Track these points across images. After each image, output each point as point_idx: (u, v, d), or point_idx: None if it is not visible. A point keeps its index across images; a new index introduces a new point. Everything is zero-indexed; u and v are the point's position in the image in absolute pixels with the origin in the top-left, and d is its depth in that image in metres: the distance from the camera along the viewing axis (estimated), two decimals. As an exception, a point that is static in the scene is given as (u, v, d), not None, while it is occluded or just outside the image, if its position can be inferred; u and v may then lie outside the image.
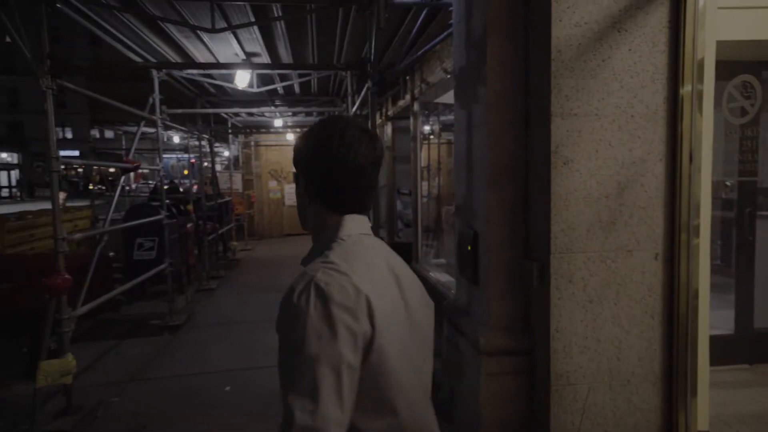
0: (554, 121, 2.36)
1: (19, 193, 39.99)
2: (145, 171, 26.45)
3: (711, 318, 2.51)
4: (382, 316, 0.98)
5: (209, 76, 7.45)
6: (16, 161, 42.64)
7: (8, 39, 3.41)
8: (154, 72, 5.86)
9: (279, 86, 8.21)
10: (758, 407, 3.35)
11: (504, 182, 2.70)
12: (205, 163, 10.57)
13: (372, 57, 4.12)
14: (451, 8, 3.46)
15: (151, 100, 5.89)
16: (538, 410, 2.62)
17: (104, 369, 4.67)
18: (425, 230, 7.24)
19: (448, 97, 6.03)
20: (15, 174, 42.24)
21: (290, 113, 11.53)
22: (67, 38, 37.25)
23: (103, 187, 22.11)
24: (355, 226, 1.13)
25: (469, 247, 2.94)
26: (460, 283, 3.31)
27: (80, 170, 42.14)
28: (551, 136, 2.36)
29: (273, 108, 10.38)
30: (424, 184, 7.37)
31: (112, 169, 28.74)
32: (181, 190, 11.65)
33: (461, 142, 3.15)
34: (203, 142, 9.45)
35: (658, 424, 2.51)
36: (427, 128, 7.38)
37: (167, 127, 8.05)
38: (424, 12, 4.89)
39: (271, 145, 14.43)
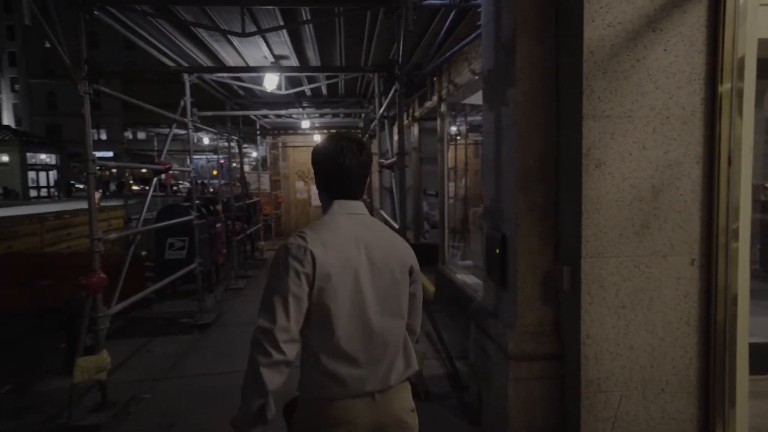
0: (586, 122, 2.32)
1: (56, 193, 41.35)
2: (176, 172, 27.14)
3: (750, 325, 2.43)
4: (324, 267, 1.46)
5: (239, 78, 7.56)
6: (54, 162, 44.10)
7: (48, 45, 3.52)
8: (186, 75, 5.98)
9: (307, 88, 8.28)
10: (800, 419, 3.23)
11: (533, 185, 2.67)
12: (234, 164, 10.74)
13: (400, 59, 4.12)
14: (479, 9, 3.43)
15: (182, 103, 6.01)
16: (568, 417, 2.58)
17: (136, 366, 4.78)
18: (452, 232, 7.20)
19: (476, 99, 5.99)
20: (53, 174, 43.68)
21: (317, 115, 11.62)
22: (104, 43, 38.42)
23: (147, 187, 22.75)
24: (341, 208, 1.61)
25: (498, 251, 2.92)
26: (487, 286, 3.28)
27: (114, 171, 43.34)
28: (583, 138, 2.32)
29: (300, 110, 10.48)
30: (451, 185, 7.33)
31: (144, 170, 29.46)
32: (211, 190, 11.86)
33: (489, 144, 3.12)
34: (232, 144, 9.60)
35: (693, 434, 2.44)
36: (454, 129, 7.34)
37: (197, 129, 8.21)
38: (452, 13, 4.87)
39: (299, 146, 14.57)
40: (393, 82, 4.39)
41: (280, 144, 14.39)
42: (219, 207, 8.56)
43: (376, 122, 6.48)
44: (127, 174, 22.72)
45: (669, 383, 2.40)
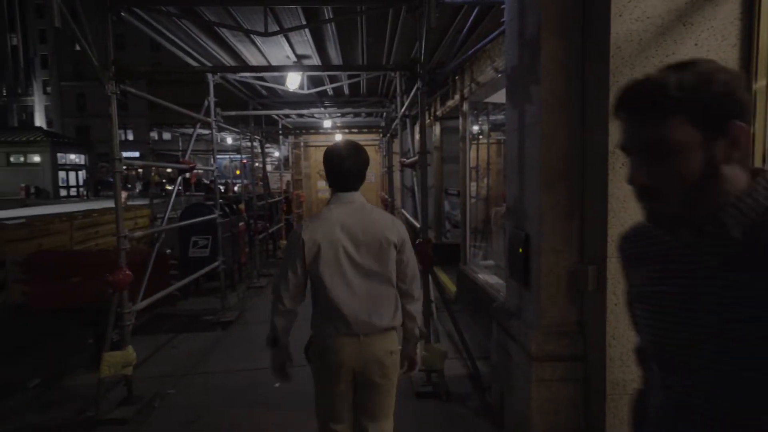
0: (612, 120, 2.26)
1: (85, 192, 42.39)
2: (200, 171, 27.49)
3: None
4: (311, 247, 2.09)
5: (261, 78, 7.63)
6: (83, 162, 45.22)
7: (78, 48, 3.60)
8: (210, 75, 6.06)
9: (328, 87, 8.31)
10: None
11: (557, 183, 2.62)
12: (257, 164, 10.85)
13: (422, 57, 4.10)
14: (503, 6, 3.39)
15: (206, 103, 6.09)
16: (593, 420, 2.53)
17: (161, 362, 4.86)
18: (473, 231, 7.14)
19: (498, 97, 5.93)
20: (82, 174, 44.78)
21: (339, 114, 11.66)
22: (131, 46, 39.24)
23: (180, 187, 22.89)
24: (337, 199, 2.19)
25: (521, 250, 2.88)
26: (510, 285, 3.24)
27: (140, 170, 44.21)
28: (609, 136, 2.27)
29: (322, 109, 10.53)
30: (473, 184, 7.27)
31: (169, 170, 30.00)
32: (236, 189, 11.96)
33: (513, 143, 3.08)
34: (255, 143, 9.70)
35: (724, 440, 2.36)
36: (476, 128, 7.28)
37: (221, 129, 8.32)
38: (475, 10, 4.83)
39: (320, 146, 14.64)
40: (415, 80, 4.37)
41: (302, 143, 14.49)
42: (242, 206, 8.66)
43: (397, 121, 6.47)
44: (152, 173, 23.14)
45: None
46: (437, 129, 9.32)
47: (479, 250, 7.06)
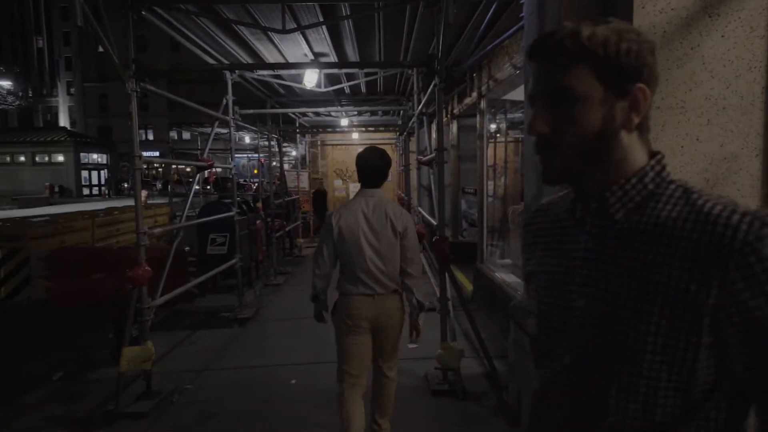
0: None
1: (107, 191, 43.18)
2: (218, 169, 27.73)
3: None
4: (338, 228, 2.79)
5: (279, 77, 7.67)
6: (105, 162, 46.05)
7: (100, 48, 3.66)
8: (228, 74, 6.11)
9: (346, 85, 8.32)
10: None
11: (577, 180, 2.58)
12: (274, 163, 10.92)
13: (439, 53, 4.07)
14: (521, 1, 3.35)
15: (224, 101, 6.14)
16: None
17: (179, 357, 4.92)
18: (490, 230, 7.08)
19: (516, 94, 5.87)
20: (104, 173, 45.62)
21: (356, 113, 11.66)
22: (151, 46, 39.85)
23: (208, 187, 22.87)
24: (362, 193, 2.88)
25: (539, 248, 2.83)
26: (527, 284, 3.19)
27: (160, 170, 44.84)
28: (631, 131, 2.22)
29: (339, 107, 10.55)
30: (490, 183, 7.21)
31: (188, 169, 30.36)
32: (254, 187, 12.03)
33: (531, 140, 3.04)
34: (272, 142, 9.75)
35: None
36: (493, 126, 7.22)
37: (239, 128, 8.38)
38: (493, 6, 4.78)
39: (337, 145, 14.68)
40: (432, 77, 4.34)
41: (319, 142, 14.54)
42: (259, 204, 8.71)
43: (414, 119, 6.44)
44: (172, 173, 23.43)
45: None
46: (454, 127, 9.26)
47: (496, 249, 7.00)
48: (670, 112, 2.20)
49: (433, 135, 5.98)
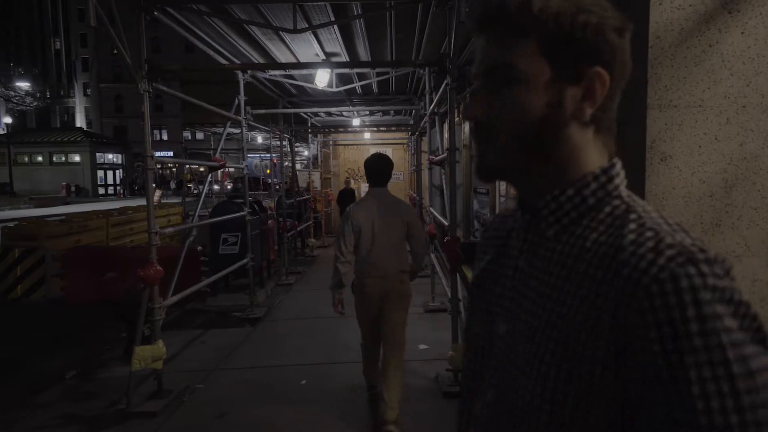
0: (650, 113, 2.17)
1: (122, 191, 43.72)
2: (231, 169, 27.90)
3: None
4: (356, 219, 3.39)
5: (290, 77, 7.68)
6: (120, 161, 46.63)
7: (115, 51, 3.68)
8: (240, 74, 6.13)
9: (357, 85, 8.31)
10: None
11: (591, 180, 2.53)
12: (286, 163, 10.95)
13: (451, 52, 4.04)
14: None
15: (236, 101, 6.16)
16: (627, 426, 2.42)
17: (190, 356, 4.94)
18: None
19: (530, 93, 5.80)
20: (119, 173, 46.19)
21: (367, 112, 11.65)
22: (165, 48, 40.27)
23: (228, 187, 22.82)
24: (371, 192, 3.54)
25: (552, 249, 2.79)
26: (540, 286, 3.15)
27: (174, 170, 45.28)
28: (647, 130, 2.17)
29: (351, 107, 10.54)
30: (503, 183, 7.15)
31: (202, 168, 30.60)
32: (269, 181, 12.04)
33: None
34: (284, 142, 9.78)
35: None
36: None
37: (251, 128, 8.41)
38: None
39: (349, 145, 14.68)
40: (444, 76, 4.31)
41: (330, 142, 14.55)
42: (271, 204, 8.74)
43: (426, 119, 6.41)
44: (185, 173, 23.65)
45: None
46: (467, 127, 9.21)
47: (509, 250, 6.93)
48: (688, 110, 2.15)
49: (445, 135, 5.94)
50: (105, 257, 6.62)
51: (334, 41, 6.33)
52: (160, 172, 44.70)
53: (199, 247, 7.19)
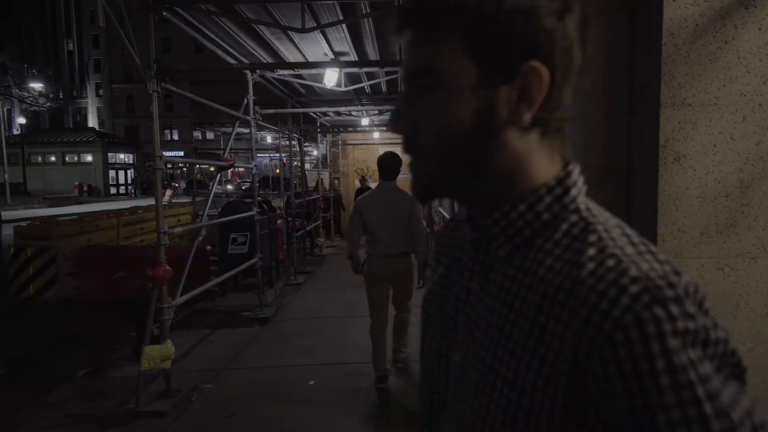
0: (664, 112, 2.12)
1: (133, 190, 44.10)
2: (241, 169, 28.03)
3: None
4: (363, 209, 4.06)
5: (299, 76, 7.68)
6: (131, 161, 47.04)
7: (126, 52, 3.70)
8: (249, 73, 6.13)
9: (366, 84, 8.29)
10: None
11: (603, 180, 2.49)
12: (295, 162, 10.96)
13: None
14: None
15: (245, 101, 6.17)
16: (639, 431, 2.38)
17: (199, 356, 4.95)
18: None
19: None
20: (131, 173, 46.60)
21: (376, 112, 11.62)
22: (175, 49, 40.54)
23: (243, 187, 22.77)
24: (380, 185, 4.14)
25: (562, 250, 2.75)
26: (551, 287, 3.11)
27: (184, 170, 45.58)
28: (660, 129, 2.13)
29: (360, 107, 10.52)
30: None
31: (211, 168, 30.77)
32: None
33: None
34: (293, 142, 9.78)
35: (786, 458, 2.18)
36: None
37: (260, 127, 8.43)
38: None
39: (358, 144, 14.67)
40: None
41: (339, 142, 14.55)
42: (280, 204, 8.74)
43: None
44: (195, 172, 23.80)
45: (758, 399, 2.16)
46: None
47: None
48: (703, 109, 2.10)
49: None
50: (115, 257, 6.66)
51: (342, 40, 6.32)
52: (171, 172, 45.02)
53: (209, 247, 7.22)
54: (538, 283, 0.54)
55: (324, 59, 7.03)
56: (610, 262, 0.50)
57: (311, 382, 4.24)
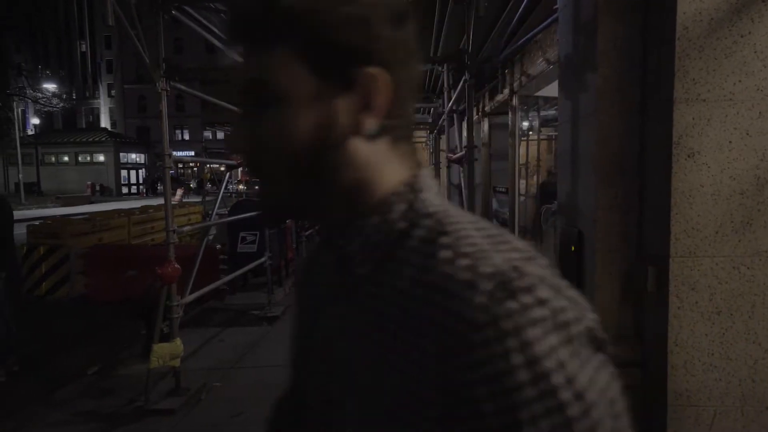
0: (678, 107, 2.08)
1: (144, 190, 44.50)
2: (251, 169, 28.13)
3: None
4: None
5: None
6: (143, 161, 47.45)
7: (136, 51, 3.72)
8: (258, 73, 6.14)
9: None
10: None
11: (614, 177, 2.45)
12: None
13: (470, 47, 3.97)
14: (556, -9, 3.22)
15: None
16: (652, 431, 2.34)
17: (208, 354, 4.96)
18: (522, 230, 6.92)
19: (550, 90, 5.70)
20: (142, 173, 47.03)
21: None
22: (187, 49, 40.83)
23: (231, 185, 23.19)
24: None
25: (573, 248, 2.72)
26: (561, 286, 3.07)
27: (195, 169, 45.90)
28: (674, 126, 2.09)
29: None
30: (522, 182, 7.05)
31: (222, 168, 30.95)
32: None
33: (566, 135, 2.92)
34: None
35: (804, 462, 2.14)
36: (525, 124, 7.06)
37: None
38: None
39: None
40: (462, 73, 4.24)
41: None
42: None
43: (444, 117, 6.35)
44: (205, 171, 23.95)
45: (774, 402, 2.11)
46: (485, 125, 9.11)
47: (529, 250, 6.84)
48: (717, 104, 2.06)
49: (464, 132, 5.89)
50: (126, 255, 6.72)
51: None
52: (181, 171, 45.36)
53: (218, 246, 7.25)
54: (401, 298, 0.50)
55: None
56: (463, 262, 0.48)
57: (320, 381, 4.24)
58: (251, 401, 3.88)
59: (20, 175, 30.31)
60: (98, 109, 56.97)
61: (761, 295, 2.09)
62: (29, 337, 5.43)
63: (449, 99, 5.62)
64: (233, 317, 6.21)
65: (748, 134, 2.05)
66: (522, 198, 7.00)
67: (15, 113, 33.62)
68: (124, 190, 44.38)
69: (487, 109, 8.62)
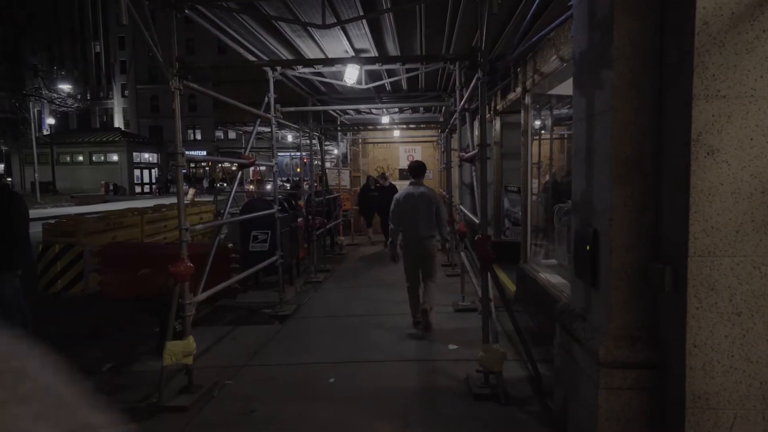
0: (696, 104, 2.04)
1: (157, 189, 44.85)
2: (262, 168, 28.23)
3: None
4: (400, 202, 5.64)
5: (320, 74, 7.68)
6: (155, 161, 47.84)
7: (150, 53, 3.73)
8: (269, 71, 6.15)
9: (386, 82, 8.25)
10: None
11: (630, 175, 2.41)
12: (316, 161, 10.97)
13: (482, 45, 3.94)
14: (570, -13, 3.18)
15: (266, 99, 6.19)
16: (669, 435, 2.30)
17: (220, 352, 4.98)
18: (534, 229, 6.86)
19: (563, 89, 5.63)
20: (155, 172, 47.41)
21: (397, 110, 11.58)
22: (199, 49, 41.09)
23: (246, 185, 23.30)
24: (411, 184, 5.76)
25: (588, 247, 2.68)
26: (575, 285, 3.04)
27: (207, 169, 46.15)
28: (692, 123, 2.05)
29: (380, 105, 10.50)
30: (534, 181, 6.98)
31: (233, 167, 31.09)
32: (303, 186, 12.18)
33: (581, 133, 2.88)
34: (314, 141, 9.81)
35: (827, 466, 2.09)
36: (538, 123, 6.98)
37: (281, 126, 8.45)
38: (539, -4, 4.59)
39: (378, 142, 14.64)
40: (475, 71, 4.21)
41: (360, 140, 14.53)
42: (301, 202, 8.76)
43: (456, 115, 6.31)
44: (217, 171, 24.08)
45: (796, 405, 2.07)
46: (497, 124, 9.05)
47: (541, 249, 6.77)
48: (738, 101, 2.02)
49: (476, 131, 5.85)
50: (139, 253, 6.75)
51: (363, 37, 6.29)
52: (193, 170, 45.65)
53: (230, 245, 7.27)
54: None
55: (345, 56, 7.02)
56: None
57: (331, 380, 4.23)
58: (263, 399, 3.88)
59: (36, 175, 30.70)
60: (112, 109, 57.48)
61: (783, 295, 2.04)
62: (45, 334, 5.49)
63: (461, 98, 5.58)
64: (245, 316, 6.23)
65: (769, 131, 2.01)
66: (534, 197, 6.94)
67: (31, 113, 34.06)
68: (137, 189, 44.76)
69: (499, 107, 8.56)
